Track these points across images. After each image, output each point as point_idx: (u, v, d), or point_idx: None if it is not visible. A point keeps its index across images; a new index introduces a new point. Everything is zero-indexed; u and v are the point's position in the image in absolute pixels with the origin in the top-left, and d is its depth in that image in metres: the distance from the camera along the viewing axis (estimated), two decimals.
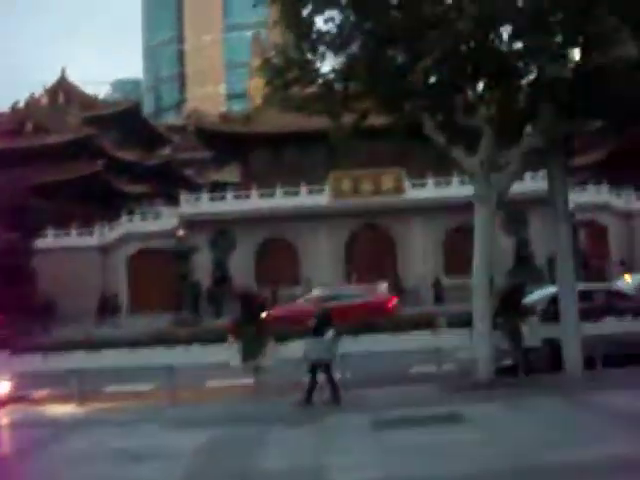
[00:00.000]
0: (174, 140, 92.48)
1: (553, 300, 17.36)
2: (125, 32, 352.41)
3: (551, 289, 19.28)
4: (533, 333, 16.30)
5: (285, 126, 58.91)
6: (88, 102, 77.69)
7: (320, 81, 17.41)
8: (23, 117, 66.80)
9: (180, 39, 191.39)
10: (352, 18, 16.23)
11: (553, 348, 16.54)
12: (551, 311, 16.95)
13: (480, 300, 16.00)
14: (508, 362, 16.39)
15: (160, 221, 60.50)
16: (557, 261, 17.34)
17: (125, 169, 69.39)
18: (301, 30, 16.94)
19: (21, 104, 70.39)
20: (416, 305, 47.78)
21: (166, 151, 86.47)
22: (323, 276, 54.61)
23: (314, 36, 16.97)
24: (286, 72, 17.56)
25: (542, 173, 56.87)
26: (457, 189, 56.61)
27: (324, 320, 15.75)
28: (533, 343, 16.38)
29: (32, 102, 70.25)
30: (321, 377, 15.27)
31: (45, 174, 58.29)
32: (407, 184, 57.50)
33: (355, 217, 56.55)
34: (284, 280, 52.48)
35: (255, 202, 57.21)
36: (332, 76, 17.29)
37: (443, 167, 58.17)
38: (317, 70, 17.44)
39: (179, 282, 49.28)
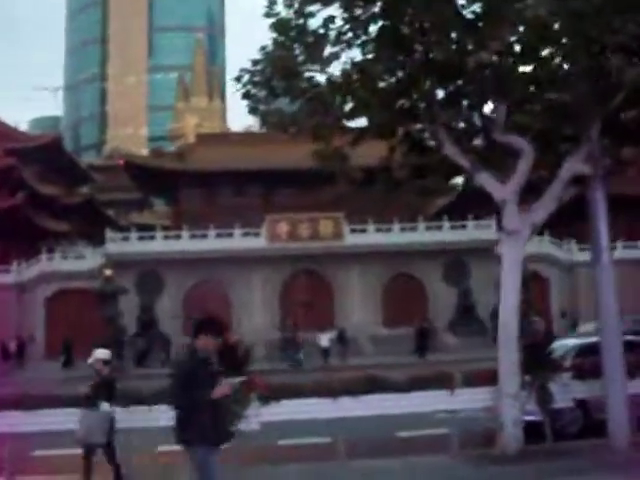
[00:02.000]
0: (96, 179, 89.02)
1: (582, 353, 14.95)
2: (47, 68, 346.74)
3: (574, 340, 16.94)
4: (564, 392, 13.79)
5: (219, 165, 56.51)
6: (7, 133, 73.50)
7: (312, 93, 14.67)
8: None
9: (103, 78, 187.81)
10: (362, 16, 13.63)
11: (586, 410, 14.11)
12: (582, 366, 14.43)
13: (508, 353, 13.35)
14: (530, 418, 13.67)
15: (83, 260, 56.99)
16: (578, 309, 14.86)
17: (46, 205, 65.61)
18: (295, 29, 14.29)
19: None
20: (357, 355, 45.60)
21: (88, 189, 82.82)
22: (256, 323, 52.00)
23: (310, 38, 14.32)
24: (273, 80, 14.82)
25: (485, 222, 56.98)
26: (398, 236, 55.06)
27: (103, 386, 11.95)
28: (564, 404, 13.88)
29: None
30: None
31: None
32: (346, 229, 55.17)
33: (292, 262, 54.16)
34: None
35: (186, 243, 54.20)
36: (328, 87, 14.57)
37: (384, 212, 57.27)
38: (310, 79, 14.76)
39: (102, 325, 45.85)
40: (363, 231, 55.39)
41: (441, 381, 13.98)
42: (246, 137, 69.38)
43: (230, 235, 54.55)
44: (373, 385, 13.50)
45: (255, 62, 15.09)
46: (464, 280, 55.16)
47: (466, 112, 14.14)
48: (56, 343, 50.24)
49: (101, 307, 46.37)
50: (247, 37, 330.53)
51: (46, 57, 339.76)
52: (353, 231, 55.32)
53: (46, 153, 72.65)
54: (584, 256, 57.58)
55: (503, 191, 13.89)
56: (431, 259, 54.89)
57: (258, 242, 54.36)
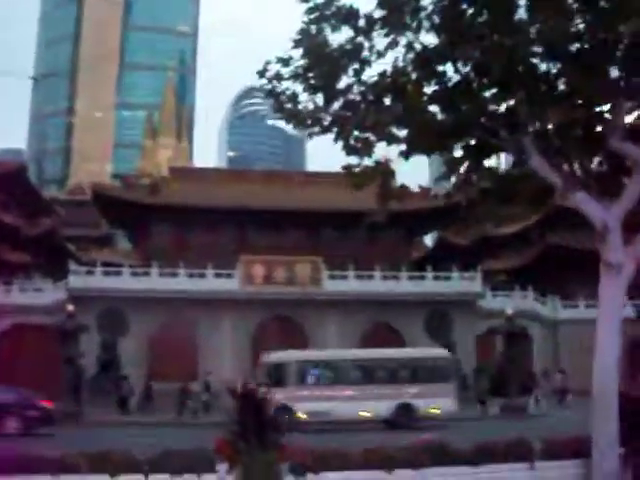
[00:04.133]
0: (59, 212, 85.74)
1: None
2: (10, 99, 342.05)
3: None
4: None
5: (193, 201, 53.66)
6: None
7: (357, 91, 11.94)
8: None
9: (70, 112, 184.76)
10: None
11: None
12: None
13: (607, 423, 10.45)
14: None
15: (43, 294, 53.28)
16: None
17: (6, 234, 62.07)
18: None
19: None
20: None
21: (50, 222, 79.26)
22: (225, 370, 48.69)
23: (361, 21, 11.60)
24: (309, 73, 12.08)
25: (469, 273, 54.66)
26: (379, 284, 52.45)
27: None
28: None
29: None
30: None
31: None
32: (325, 275, 52.30)
33: (266, 307, 51.11)
34: (180, 373, 45.97)
35: (155, 281, 50.85)
36: (379, 83, 11.84)
37: (365, 259, 54.71)
38: (357, 72, 12.01)
39: (60, 364, 42.30)
40: (343, 277, 52.53)
41: (515, 451, 11.05)
42: (221, 174, 66.77)
43: (202, 275, 51.40)
44: (437, 455, 10.49)
45: (281, 60, 12.34)
46: (446, 333, 52.58)
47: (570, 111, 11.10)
48: (10, 383, 46.51)
49: (60, 345, 42.79)
50: (218, 79, 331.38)
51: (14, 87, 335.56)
52: (332, 277, 52.47)
53: (9, 182, 69.31)
54: (569, 313, 55.92)
55: (606, 216, 11.05)
56: (412, 310, 52.27)
57: (231, 284, 51.24)
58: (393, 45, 11.62)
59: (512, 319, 44.92)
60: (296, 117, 12.94)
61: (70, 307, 43.21)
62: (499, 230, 67.73)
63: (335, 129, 12.77)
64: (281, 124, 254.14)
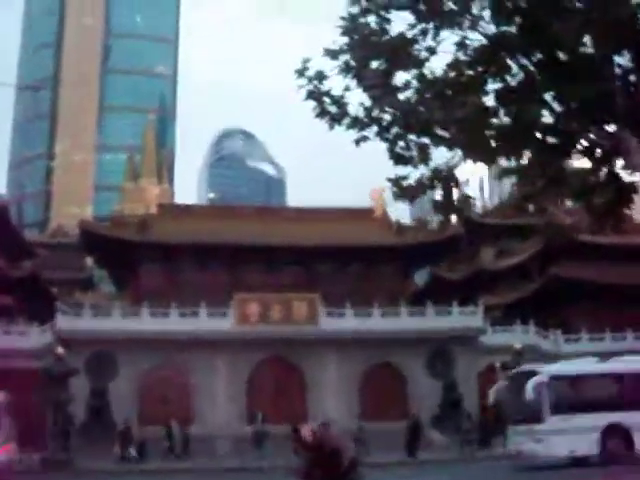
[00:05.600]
0: (41, 255, 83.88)
1: None
2: None
3: None
4: None
5: (183, 237, 52.04)
6: None
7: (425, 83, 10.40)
8: None
9: (50, 156, 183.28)
10: None
11: None
12: None
13: None
14: None
15: (27, 337, 51.26)
16: None
17: None
18: None
19: None
20: None
21: (32, 264, 77.28)
22: (219, 414, 46.92)
23: None
24: (363, 66, 10.58)
25: (470, 308, 53.28)
26: (378, 321, 50.93)
27: None
28: None
29: None
30: None
31: None
32: (322, 312, 50.61)
33: (261, 347, 49.30)
34: (174, 417, 43.99)
35: (145, 322, 48.92)
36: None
37: (362, 295, 53.20)
38: (419, 63, 10.47)
39: (47, 411, 40.32)
40: (340, 315, 50.81)
41: None
42: (209, 210, 65.36)
43: (195, 315, 49.60)
44: None
45: (330, 53, 10.79)
46: (449, 371, 50.99)
47: None
48: None
49: (48, 390, 40.73)
50: (197, 121, 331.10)
51: None
52: (329, 314, 50.76)
53: None
54: (571, 347, 54.38)
55: None
56: (413, 348, 50.69)
57: (225, 323, 49.40)
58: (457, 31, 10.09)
59: (521, 354, 43.43)
60: (342, 119, 11.33)
61: (59, 350, 41.35)
62: (495, 264, 66.42)
63: (389, 131, 11.21)
64: (262, 166, 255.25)
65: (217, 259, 54.57)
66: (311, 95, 11.06)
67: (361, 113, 10.99)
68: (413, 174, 11.75)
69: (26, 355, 48.52)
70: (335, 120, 11.31)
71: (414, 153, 11.36)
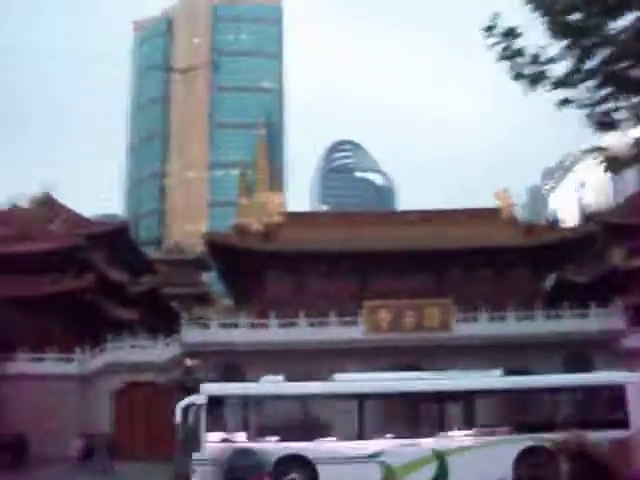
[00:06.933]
0: (160, 270, 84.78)
1: None
2: (105, 168, 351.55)
3: None
4: None
5: (310, 246, 50.89)
6: (74, 218, 69.12)
7: None
8: (1, 222, 57.96)
9: (163, 174, 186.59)
10: None
11: None
12: None
13: None
14: None
15: (153, 351, 51.10)
16: None
17: (113, 291, 60.52)
18: None
19: None
20: None
21: (153, 280, 78.03)
22: None
23: None
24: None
25: (610, 309, 50.44)
26: (513, 325, 48.52)
27: None
28: None
29: (13, 208, 61.18)
30: None
31: (24, 286, 49.16)
32: (455, 318, 48.63)
33: (392, 356, 47.44)
34: None
35: (273, 333, 47.95)
36: None
37: (494, 299, 51.04)
38: None
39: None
40: (474, 320, 48.73)
41: None
42: (333, 217, 63.73)
43: (324, 324, 48.36)
44: None
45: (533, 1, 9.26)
46: None
47: None
48: (124, 442, 44.36)
49: (179, 402, 40.12)
50: (308, 133, 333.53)
51: (106, 155, 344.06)
52: (462, 320, 48.74)
53: (112, 240, 68.36)
54: None
55: None
56: (549, 351, 48.02)
57: (355, 332, 47.99)
58: None
59: None
60: (541, 80, 9.73)
61: (189, 362, 40.99)
62: (627, 263, 63.02)
63: (597, 92, 9.59)
64: (370, 176, 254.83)
65: (345, 267, 53.28)
66: (504, 54, 9.52)
67: (562, 72, 9.47)
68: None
69: (153, 368, 48.44)
70: (534, 82, 9.79)
71: (623, 116, 9.79)
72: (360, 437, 25.43)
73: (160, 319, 66.63)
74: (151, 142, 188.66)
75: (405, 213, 59.65)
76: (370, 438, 25.42)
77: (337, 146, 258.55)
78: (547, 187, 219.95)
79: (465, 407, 27.34)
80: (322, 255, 51.67)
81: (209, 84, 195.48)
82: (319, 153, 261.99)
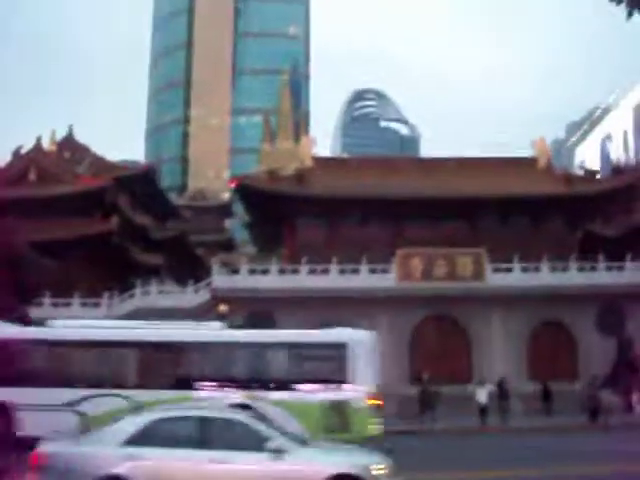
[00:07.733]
0: (185, 217, 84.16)
1: None
2: (126, 114, 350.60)
3: None
4: None
5: (342, 191, 49.91)
6: (99, 162, 68.27)
7: None
8: (26, 165, 57.06)
9: (185, 121, 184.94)
10: None
11: None
12: None
13: None
14: None
15: (182, 296, 50.44)
16: None
17: (138, 236, 59.82)
18: None
19: (24, 151, 60.44)
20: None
21: (178, 225, 77.37)
22: (385, 375, 44.68)
23: None
24: None
25: None
26: (548, 276, 47.62)
27: None
28: None
29: (38, 150, 60.14)
30: None
31: (49, 230, 48.47)
32: (488, 268, 47.72)
33: (424, 305, 46.87)
34: None
35: (304, 279, 47.27)
36: None
37: (528, 249, 49.99)
38: None
39: None
40: (508, 270, 47.86)
41: None
42: (365, 163, 62.12)
43: (355, 271, 47.60)
44: None
45: None
46: (621, 329, 47.27)
47: None
48: None
49: None
50: (331, 81, 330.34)
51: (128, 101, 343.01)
52: (496, 270, 47.84)
53: (138, 184, 67.50)
54: None
55: None
56: (583, 305, 47.29)
57: (387, 280, 47.29)
58: None
59: None
60: None
61: (222, 308, 40.47)
62: None
63: None
64: (395, 126, 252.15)
65: (378, 213, 52.28)
66: None
67: None
68: None
69: (182, 314, 47.74)
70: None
71: None
72: (60, 385, 24.35)
73: (185, 266, 66.05)
74: (173, 89, 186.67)
75: (443, 160, 58.28)
76: (70, 386, 24.52)
77: (361, 95, 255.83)
78: (573, 139, 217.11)
79: (172, 359, 25.48)
80: (355, 201, 50.69)
81: (232, 30, 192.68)
82: (342, 101, 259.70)
